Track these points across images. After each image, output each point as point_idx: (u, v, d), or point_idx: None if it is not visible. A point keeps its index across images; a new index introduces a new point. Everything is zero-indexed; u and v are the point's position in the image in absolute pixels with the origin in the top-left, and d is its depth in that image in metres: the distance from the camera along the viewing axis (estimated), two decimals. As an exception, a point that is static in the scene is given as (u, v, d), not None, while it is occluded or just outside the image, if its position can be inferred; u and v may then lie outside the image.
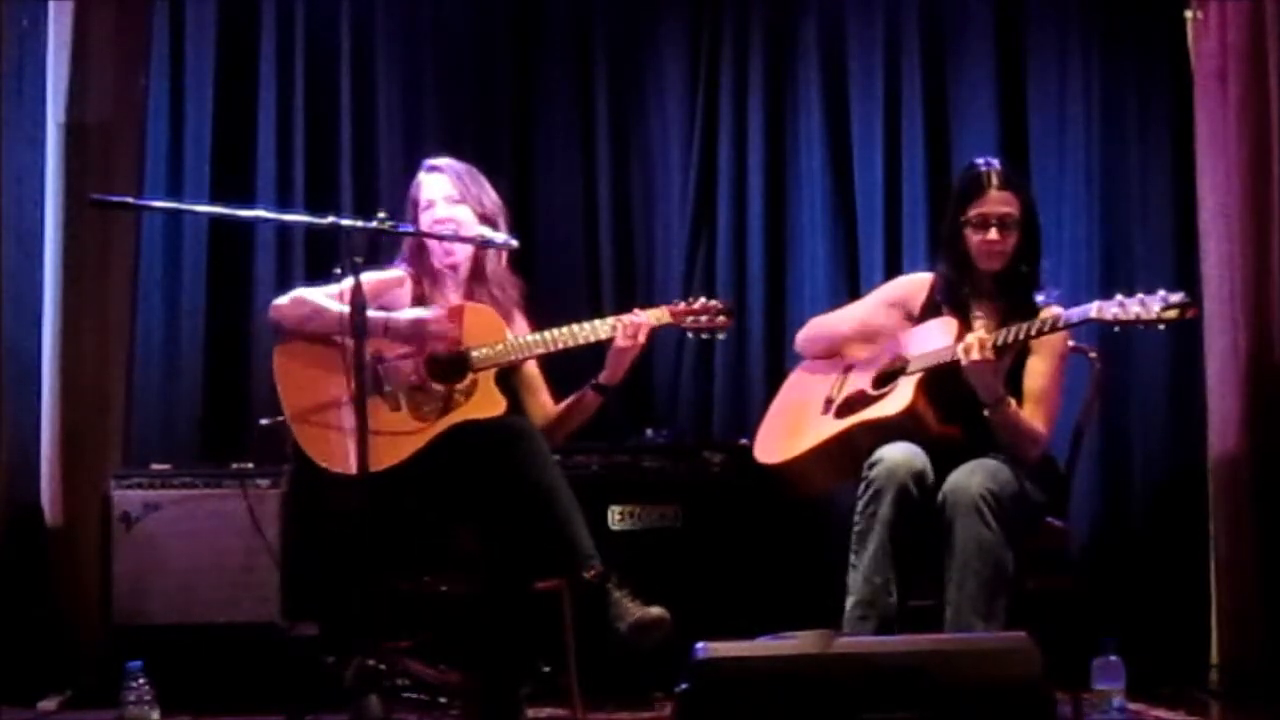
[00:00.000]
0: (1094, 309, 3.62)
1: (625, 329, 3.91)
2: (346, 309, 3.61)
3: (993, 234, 3.87)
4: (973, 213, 3.90)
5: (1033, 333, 3.70)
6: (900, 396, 3.82)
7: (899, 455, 3.69)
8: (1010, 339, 3.70)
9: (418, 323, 3.89)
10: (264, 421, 4.02)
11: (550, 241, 5.18)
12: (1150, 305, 3.53)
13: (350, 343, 3.63)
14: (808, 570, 4.51)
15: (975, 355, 3.68)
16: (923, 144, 5.11)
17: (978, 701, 2.97)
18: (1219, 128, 4.71)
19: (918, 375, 3.82)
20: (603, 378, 3.99)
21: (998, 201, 3.88)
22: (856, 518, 3.71)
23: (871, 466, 3.70)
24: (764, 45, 5.22)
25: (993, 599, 3.58)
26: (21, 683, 4.54)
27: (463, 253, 4.05)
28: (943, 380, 3.80)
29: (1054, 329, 3.70)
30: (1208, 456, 4.73)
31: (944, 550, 3.64)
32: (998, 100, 5.12)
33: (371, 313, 3.72)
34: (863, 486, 3.71)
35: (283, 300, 3.96)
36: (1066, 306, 3.88)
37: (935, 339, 3.87)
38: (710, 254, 5.22)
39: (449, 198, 4.03)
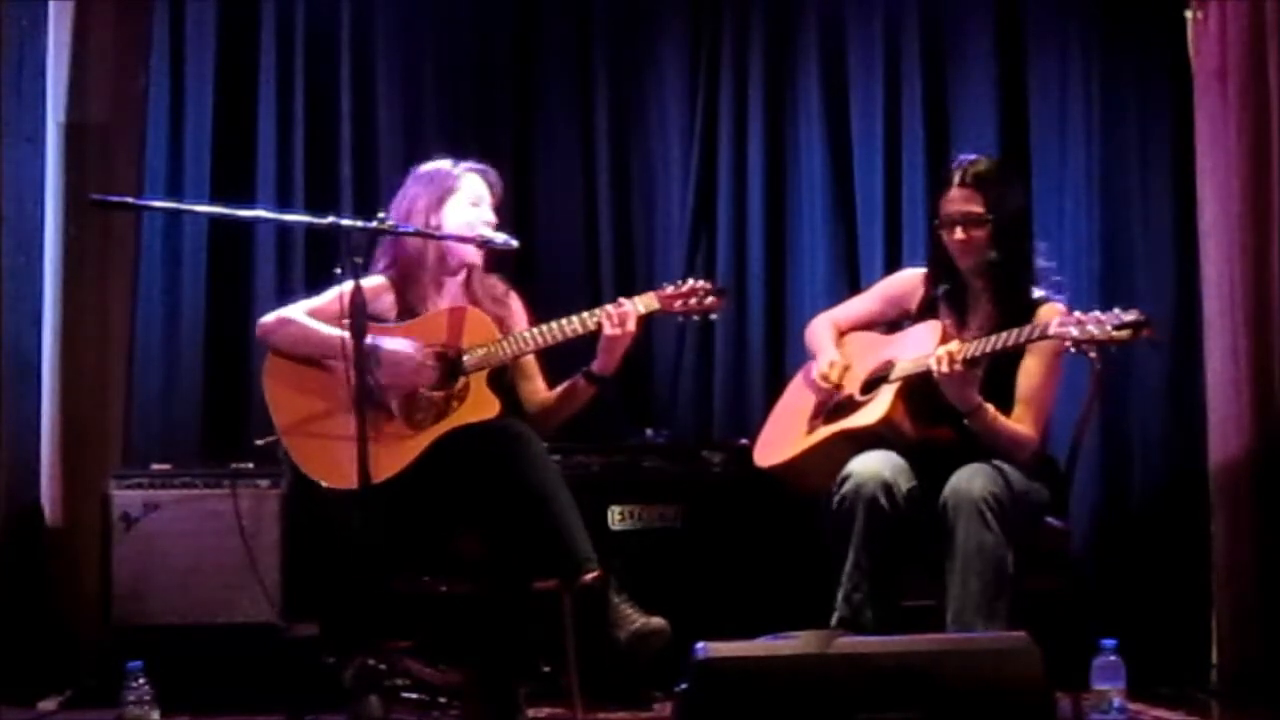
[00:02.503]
0: (1053, 326, 3.63)
1: (613, 317, 3.91)
2: (337, 331, 3.63)
3: (958, 233, 3.90)
4: (940, 211, 3.94)
5: (998, 346, 3.70)
6: (878, 406, 3.86)
7: (867, 469, 3.71)
8: (982, 351, 3.70)
9: (406, 359, 3.86)
10: (259, 441, 4.03)
11: (550, 241, 5.17)
12: (1105, 324, 3.53)
13: (337, 363, 3.65)
14: (808, 570, 4.49)
15: (945, 368, 3.70)
16: (923, 144, 5.10)
17: (978, 701, 2.97)
18: (1219, 127, 4.71)
19: (898, 383, 3.84)
20: (595, 367, 3.99)
21: (958, 200, 3.90)
22: (831, 535, 3.73)
23: (841, 483, 3.73)
24: (764, 45, 5.22)
25: (994, 601, 3.60)
26: (21, 683, 4.54)
27: (478, 254, 4.06)
28: (926, 385, 3.81)
29: (1029, 340, 3.70)
30: (1208, 456, 4.73)
31: (945, 552, 3.66)
32: (998, 100, 5.11)
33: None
34: (834, 502, 3.73)
35: (268, 319, 3.97)
36: (1065, 297, 3.91)
37: (918, 345, 3.89)
38: (710, 254, 5.22)
39: (492, 204, 4.07)
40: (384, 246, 4.05)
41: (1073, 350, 3.65)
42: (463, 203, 4.04)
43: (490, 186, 4.10)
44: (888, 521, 3.68)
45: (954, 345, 3.73)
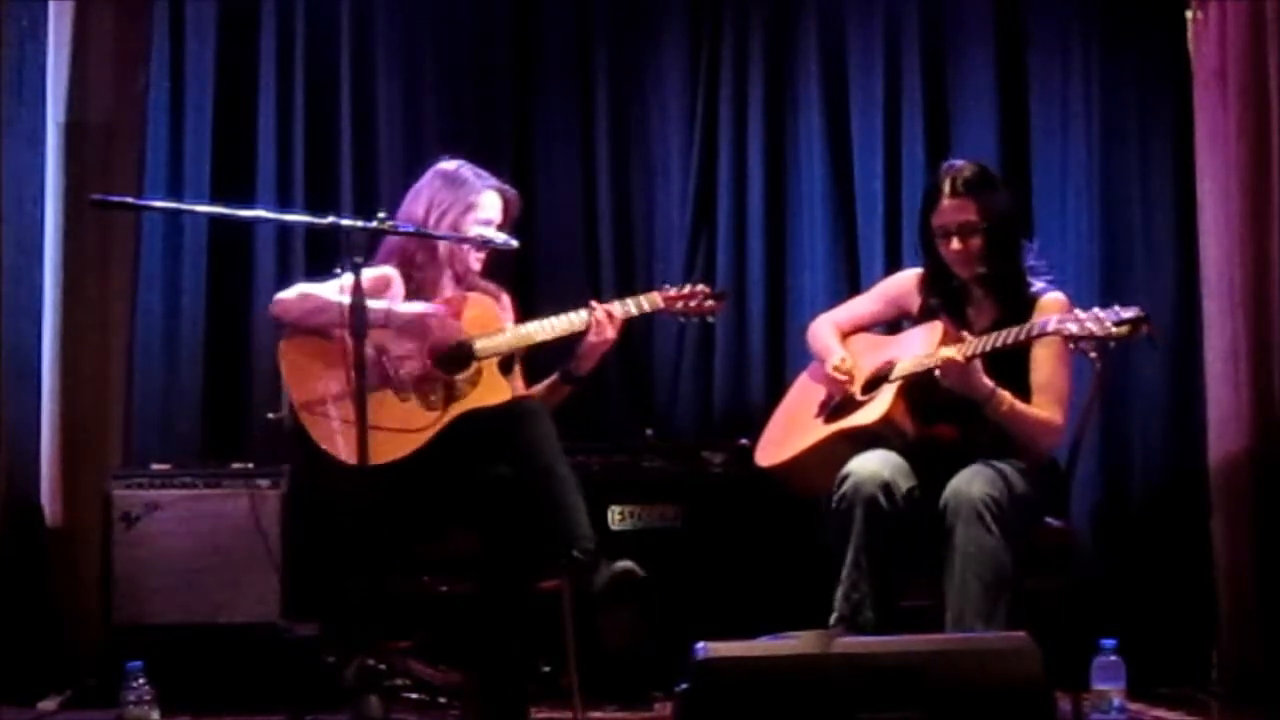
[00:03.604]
0: (1053, 322, 3.64)
1: (595, 326, 3.96)
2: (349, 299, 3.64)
3: (954, 243, 3.90)
4: (934, 223, 3.94)
5: (999, 344, 3.70)
6: (878, 406, 3.86)
7: (866, 469, 3.72)
8: (983, 349, 3.71)
9: (421, 316, 3.91)
10: (271, 416, 4.01)
11: (550, 242, 5.17)
12: (1104, 321, 3.54)
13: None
14: (808, 570, 4.49)
15: (944, 361, 3.70)
16: (923, 144, 5.10)
17: (978, 701, 2.98)
18: (1219, 127, 4.71)
19: (898, 383, 3.84)
20: (573, 367, 4.04)
21: (951, 210, 3.90)
22: (830, 535, 3.73)
23: (841, 483, 3.73)
24: (764, 45, 5.22)
25: (994, 603, 3.60)
26: (21, 683, 4.54)
27: (479, 259, 4.11)
28: (927, 384, 3.81)
29: (1029, 337, 3.72)
30: (1207, 456, 4.73)
31: (945, 555, 3.66)
32: (998, 100, 5.11)
33: (374, 302, 3.75)
34: (834, 502, 3.73)
35: (287, 294, 3.96)
36: (1060, 288, 3.94)
37: (919, 345, 3.90)
38: (710, 254, 5.22)
39: (501, 226, 4.10)
40: (390, 243, 4.06)
41: (1072, 347, 3.66)
42: (473, 222, 4.07)
43: (506, 207, 4.13)
44: (887, 521, 3.68)
45: (952, 351, 3.73)
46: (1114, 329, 3.53)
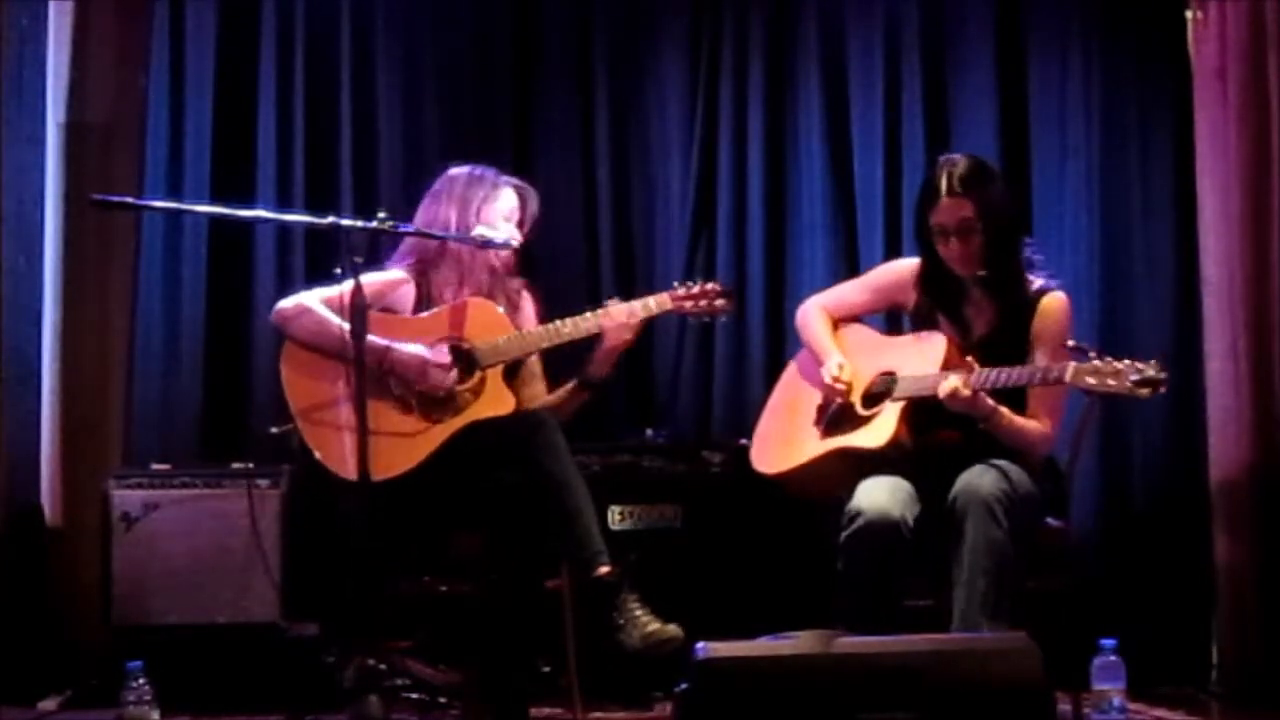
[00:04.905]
0: (1070, 370, 3.59)
1: (614, 329, 3.91)
2: (346, 325, 3.62)
3: (953, 243, 3.85)
4: (932, 222, 3.89)
5: (1008, 382, 3.67)
6: (882, 429, 3.80)
7: (876, 508, 3.65)
8: (991, 385, 3.69)
9: (420, 364, 3.85)
10: (274, 430, 4.00)
11: (550, 242, 5.13)
12: (1124, 378, 3.50)
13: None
14: (808, 570, 4.50)
15: (954, 402, 3.67)
16: (923, 144, 5.10)
17: (978, 701, 2.97)
18: (1219, 128, 4.71)
19: (901, 403, 3.80)
20: (590, 371, 3.98)
21: (949, 209, 3.84)
22: (839, 562, 3.69)
23: (851, 519, 3.67)
24: (764, 45, 5.22)
25: (1001, 599, 3.58)
26: (21, 683, 4.54)
27: (504, 260, 4.07)
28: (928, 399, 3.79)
29: (1043, 383, 3.69)
30: (1208, 456, 4.73)
31: (953, 550, 3.63)
32: (998, 100, 5.11)
33: (375, 339, 3.73)
34: (842, 537, 3.68)
35: (287, 306, 3.92)
36: (1059, 282, 3.91)
37: (921, 361, 3.85)
38: (710, 254, 5.22)
39: (521, 222, 4.09)
40: (407, 242, 4.04)
41: (1088, 398, 3.62)
42: (498, 215, 4.04)
43: (524, 203, 4.10)
44: (896, 555, 3.64)
45: (958, 383, 3.68)
46: (1137, 390, 3.49)
